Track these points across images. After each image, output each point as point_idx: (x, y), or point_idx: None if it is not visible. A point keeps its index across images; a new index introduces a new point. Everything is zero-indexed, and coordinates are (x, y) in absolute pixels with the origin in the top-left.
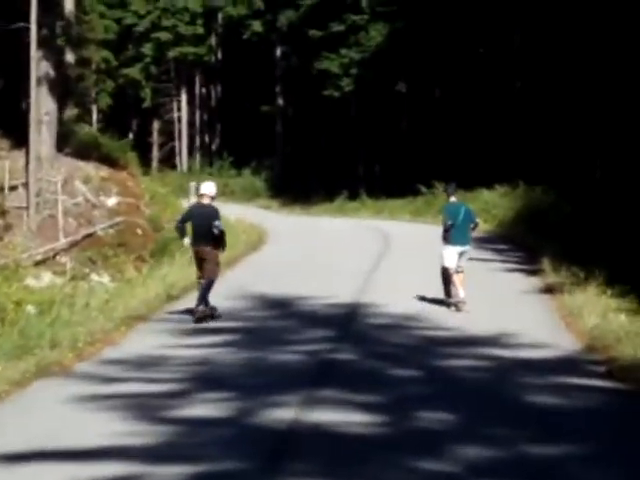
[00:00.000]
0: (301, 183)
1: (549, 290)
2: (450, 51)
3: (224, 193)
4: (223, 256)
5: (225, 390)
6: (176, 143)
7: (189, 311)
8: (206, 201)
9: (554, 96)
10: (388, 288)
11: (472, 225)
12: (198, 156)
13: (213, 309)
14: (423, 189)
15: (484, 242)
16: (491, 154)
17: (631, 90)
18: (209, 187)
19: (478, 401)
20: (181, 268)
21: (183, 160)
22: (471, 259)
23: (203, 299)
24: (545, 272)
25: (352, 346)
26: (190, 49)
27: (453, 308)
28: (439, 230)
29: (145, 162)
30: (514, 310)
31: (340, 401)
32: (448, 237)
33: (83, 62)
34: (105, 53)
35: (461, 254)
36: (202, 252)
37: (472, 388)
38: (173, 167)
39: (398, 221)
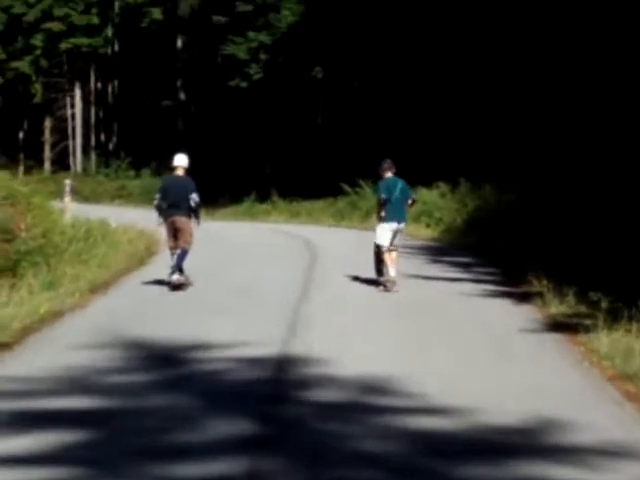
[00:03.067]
0: (205, 184)
1: (561, 327)
2: (372, 29)
3: (121, 196)
4: (94, 278)
5: None
6: (70, 142)
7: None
8: (180, 172)
9: (500, 79)
10: (328, 327)
11: (409, 201)
12: (93, 156)
13: (187, 278)
14: (347, 188)
15: (438, 253)
16: (425, 149)
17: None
18: (182, 159)
19: None
20: (29, 297)
21: (77, 160)
22: (434, 278)
23: (178, 268)
24: (543, 297)
25: (289, 465)
26: (84, 40)
27: (382, 288)
28: (372, 236)
29: (37, 163)
30: (529, 367)
31: None
32: (383, 214)
33: None
34: None
35: (396, 232)
36: (178, 222)
37: None
38: (67, 168)
39: (319, 226)
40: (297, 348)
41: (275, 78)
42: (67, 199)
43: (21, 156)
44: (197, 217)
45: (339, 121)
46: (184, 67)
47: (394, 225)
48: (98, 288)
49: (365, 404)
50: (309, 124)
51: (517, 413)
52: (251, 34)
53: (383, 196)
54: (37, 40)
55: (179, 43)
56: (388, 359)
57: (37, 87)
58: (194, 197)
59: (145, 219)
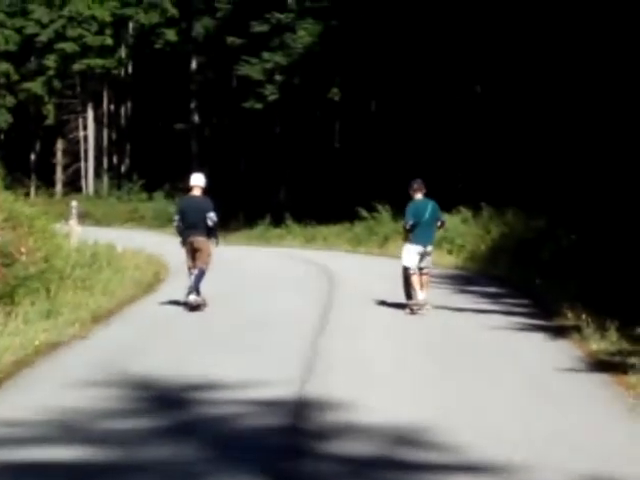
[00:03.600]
0: (219, 208)
1: (605, 366)
2: (390, 51)
3: (133, 219)
4: (96, 306)
5: None
6: (82, 164)
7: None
8: (197, 192)
9: (524, 100)
10: (350, 366)
11: (438, 223)
12: (106, 178)
13: (204, 299)
14: (363, 213)
15: (464, 282)
16: (444, 172)
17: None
18: (199, 179)
19: None
20: (25, 327)
21: (89, 183)
22: (462, 310)
23: (195, 289)
24: (581, 332)
25: None
26: (98, 61)
27: (408, 311)
28: (392, 264)
29: (49, 185)
30: (576, 414)
31: None
32: (410, 235)
33: None
34: (4, 66)
35: (423, 254)
36: (196, 242)
37: None
38: (79, 190)
39: (335, 251)
40: (316, 389)
41: (291, 99)
42: (73, 222)
43: (32, 178)
44: (215, 237)
45: (356, 144)
46: (198, 89)
47: (420, 248)
48: (100, 317)
49: (395, 460)
50: (325, 147)
51: (569, 470)
52: (266, 54)
53: (410, 222)
54: (50, 61)
55: (193, 65)
56: (417, 403)
57: (49, 108)
58: (212, 216)
59: (155, 243)
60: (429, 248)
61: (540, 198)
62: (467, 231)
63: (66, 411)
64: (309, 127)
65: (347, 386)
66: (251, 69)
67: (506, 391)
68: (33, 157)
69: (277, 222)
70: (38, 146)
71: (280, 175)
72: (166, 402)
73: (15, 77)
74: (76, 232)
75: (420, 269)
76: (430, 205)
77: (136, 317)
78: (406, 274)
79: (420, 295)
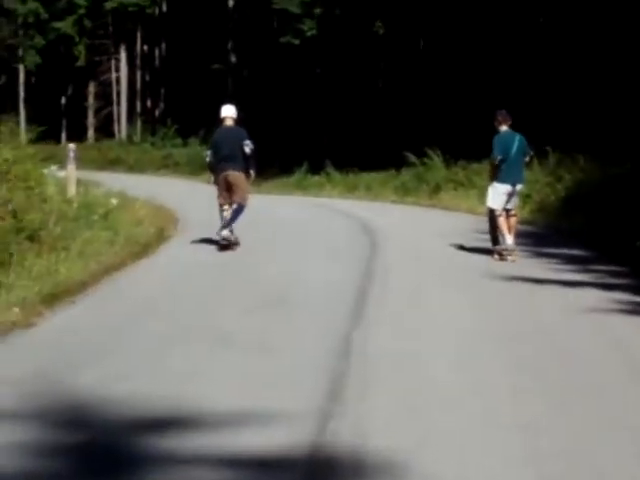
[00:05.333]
0: (255, 154)
1: None
2: None
3: (167, 165)
4: (65, 277)
5: None
6: (114, 108)
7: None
8: (230, 123)
9: (595, 33)
10: (396, 381)
11: (526, 158)
12: (139, 123)
13: (236, 238)
14: (412, 159)
15: (537, 242)
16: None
17: None
18: (230, 109)
19: None
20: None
21: (122, 127)
22: (545, 282)
23: (229, 225)
24: None
25: None
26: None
27: (496, 257)
28: (445, 217)
29: (80, 129)
30: None
31: None
32: (497, 173)
33: (5, 13)
34: (33, 4)
35: (511, 194)
36: (231, 176)
37: None
38: (111, 135)
39: (379, 202)
40: (344, 432)
41: (331, 35)
42: (70, 167)
43: (64, 122)
44: (253, 167)
45: (403, 84)
46: (235, 28)
47: (508, 187)
48: (65, 293)
49: None
50: (369, 86)
51: None
52: None
53: (499, 157)
54: None
55: (230, 2)
56: (507, 462)
57: (80, 49)
58: (248, 143)
59: (178, 192)
60: (518, 187)
61: (617, 142)
62: (533, 178)
63: None
64: (351, 65)
65: (393, 426)
66: (288, 2)
67: None
68: (64, 101)
69: (316, 169)
70: (70, 89)
71: (320, 118)
72: (100, 458)
73: (44, 16)
74: (73, 179)
75: (507, 210)
76: (517, 138)
77: (113, 294)
78: (492, 216)
79: (509, 239)
